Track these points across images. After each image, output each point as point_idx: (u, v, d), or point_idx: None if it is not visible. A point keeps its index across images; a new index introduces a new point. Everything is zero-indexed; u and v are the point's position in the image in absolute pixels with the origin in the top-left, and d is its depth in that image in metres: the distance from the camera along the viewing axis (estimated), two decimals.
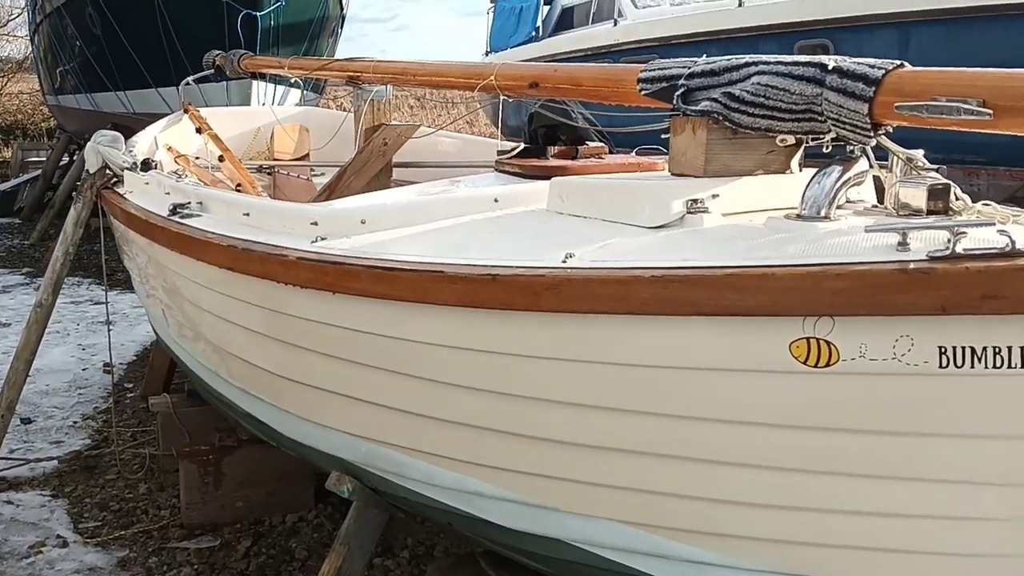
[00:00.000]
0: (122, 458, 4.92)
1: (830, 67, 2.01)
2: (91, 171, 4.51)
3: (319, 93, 12.22)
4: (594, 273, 1.94)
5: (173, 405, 4.74)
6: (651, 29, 10.33)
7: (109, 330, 5.30)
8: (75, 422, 5.59)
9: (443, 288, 2.11)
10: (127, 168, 4.34)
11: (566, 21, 13.36)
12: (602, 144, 3.34)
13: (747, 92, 2.14)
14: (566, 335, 2.01)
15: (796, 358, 1.73)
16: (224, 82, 8.47)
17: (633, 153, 3.27)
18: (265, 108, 8.37)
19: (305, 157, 7.12)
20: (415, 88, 4.40)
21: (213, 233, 2.97)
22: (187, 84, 7.44)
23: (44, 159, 16.09)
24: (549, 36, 13.29)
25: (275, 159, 7.01)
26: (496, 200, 2.73)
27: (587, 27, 12.59)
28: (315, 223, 2.70)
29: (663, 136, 2.43)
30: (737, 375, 1.83)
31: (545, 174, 2.80)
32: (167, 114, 9.91)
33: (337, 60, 4.80)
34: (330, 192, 4.73)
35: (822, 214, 1.98)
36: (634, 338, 1.92)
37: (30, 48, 17.18)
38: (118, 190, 4.49)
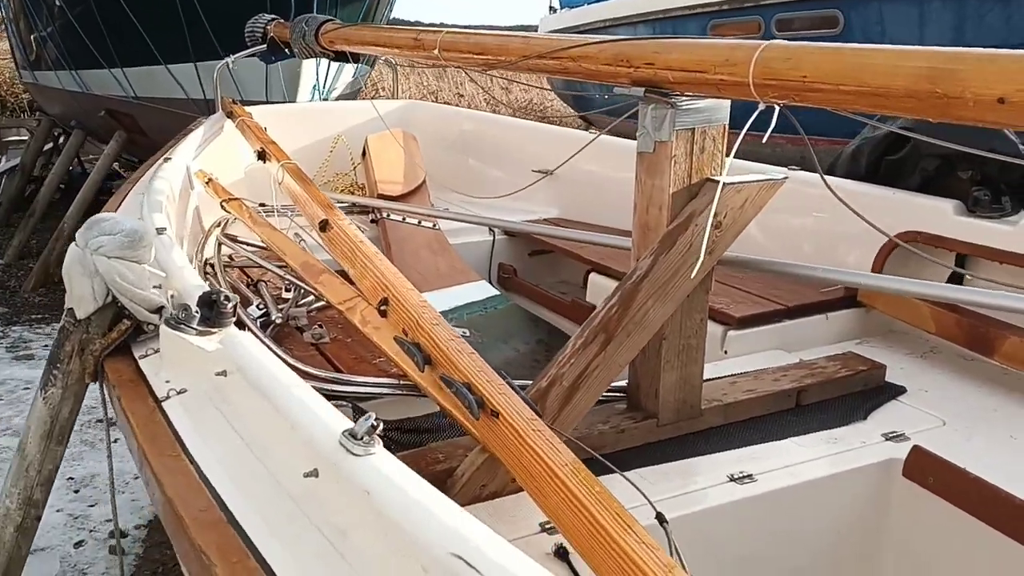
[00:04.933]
0: None
1: None
2: (79, 316, 1.91)
3: (371, 66, 9.45)
4: None
5: None
6: None
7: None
8: None
9: None
10: (168, 324, 1.75)
11: None
12: None
13: None
14: None
15: None
16: (269, 62, 5.77)
17: None
18: (343, 104, 5.79)
19: (419, 188, 4.52)
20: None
21: None
22: (227, 66, 4.87)
23: (28, 137, 13.21)
24: None
25: (379, 191, 4.41)
26: None
27: None
28: None
29: None
30: None
31: None
32: (180, 100, 7.22)
33: (590, 40, 2.17)
34: (599, 349, 2.10)
35: None
36: None
37: None
38: (143, 363, 1.90)
